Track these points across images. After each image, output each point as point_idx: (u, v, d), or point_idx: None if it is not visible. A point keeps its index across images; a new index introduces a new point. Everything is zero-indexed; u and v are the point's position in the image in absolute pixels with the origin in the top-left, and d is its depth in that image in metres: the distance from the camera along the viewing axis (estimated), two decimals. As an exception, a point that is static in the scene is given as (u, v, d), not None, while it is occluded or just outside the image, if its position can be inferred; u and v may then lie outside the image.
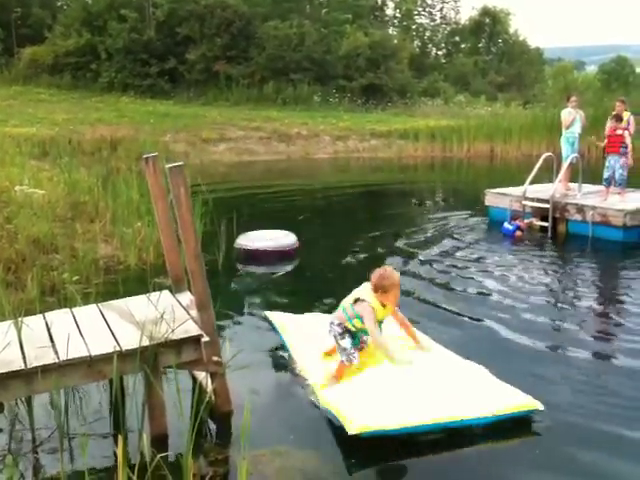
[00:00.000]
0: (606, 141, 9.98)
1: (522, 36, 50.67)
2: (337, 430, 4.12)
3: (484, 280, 7.41)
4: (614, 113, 10.21)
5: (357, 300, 4.59)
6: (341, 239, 10.07)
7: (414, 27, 47.10)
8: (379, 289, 4.52)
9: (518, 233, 9.58)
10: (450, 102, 35.73)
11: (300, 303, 6.71)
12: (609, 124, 9.92)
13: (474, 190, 11.68)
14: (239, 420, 4.00)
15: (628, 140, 9.88)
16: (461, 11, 49.56)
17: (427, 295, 6.84)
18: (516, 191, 10.36)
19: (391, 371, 4.40)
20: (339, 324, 4.65)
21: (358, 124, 28.07)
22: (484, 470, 3.84)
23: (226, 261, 8.03)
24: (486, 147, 24.65)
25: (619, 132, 9.81)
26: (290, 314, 5.99)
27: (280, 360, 5.18)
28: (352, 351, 4.56)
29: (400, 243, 9.49)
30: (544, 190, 10.05)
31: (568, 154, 10.45)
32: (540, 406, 4.13)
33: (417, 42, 46.37)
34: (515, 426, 4.13)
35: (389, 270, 4.64)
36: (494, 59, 47.16)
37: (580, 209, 9.38)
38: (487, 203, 11.04)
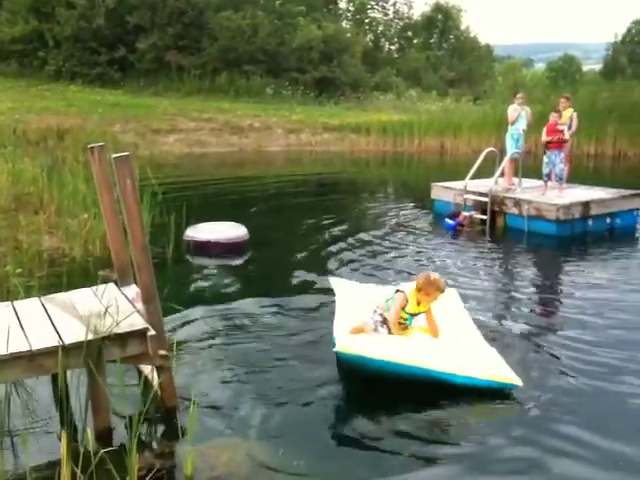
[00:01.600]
0: (546, 136, 10.13)
1: (473, 33, 51.46)
2: (285, 420, 4.14)
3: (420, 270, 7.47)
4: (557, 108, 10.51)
5: (397, 291, 5.03)
6: (292, 231, 10.09)
7: (367, 21, 47.25)
8: (422, 290, 4.92)
9: (459, 228, 9.75)
10: (402, 97, 35.99)
11: (249, 295, 6.67)
12: (551, 120, 10.12)
13: (424, 184, 11.83)
14: (186, 414, 3.99)
15: (567, 135, 10.11)
16: (414, 6, 49.96)
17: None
18: (460, 185, 10.54)
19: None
20: (380, 314, 5.05)
21: (311, 117, 28.05)
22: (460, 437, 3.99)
23: (175, 253, 7.94)
24: (437, 142, 24.95)
25: (560, 127, 10.02)
26: (354, 282, 6.28)
27: (228, 353, 5.16)
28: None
29: (348, 234, 9.55)
30: (486, 184, 10.23)
31: (512, 150, 10.64)
32: (519, 382, 4.32)
33: (370, 36, 46.53)
34: (497, 398, 4.35)
35: (437, 277, 4.98)
36: (445, 55, 47.72)
37: (517, 203, 9.60)
38: (433, 196, 11.25)
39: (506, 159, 10.46)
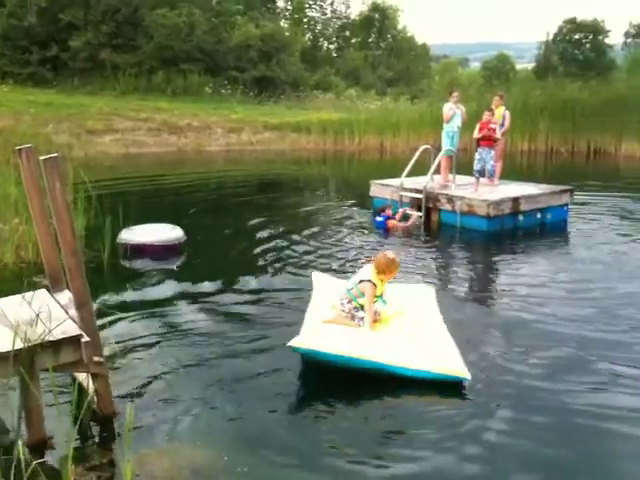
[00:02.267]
0: (478, 133, 10.34)
1: (410, 33, 52.25)
2: (228, 424, 4.10)
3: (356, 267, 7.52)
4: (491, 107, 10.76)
5: (361, 281, 5.21)
6: (232, 231, 9.99)
7: (305, 20, 47.36)
8: (385, 270, 5.22)
9: (390, 223, 9.82)
10: (342, 96, 36.21)
11: (186, 297, 6.57)
12: (484, 118, 10.33)
13: (364, 182, 11.92)
14: (123, 421, 3.90)
15: (498, 134, 10.34)
16: (351, 6, 50.49)
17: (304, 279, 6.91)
18: (396, 182, 10.66)
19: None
20: (349, 302, 5.27)
21: (251, 116, 27.91)
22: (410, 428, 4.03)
23: (111, 257, 7.74)
24: (376, 141, 25.22)
25: (492, 126, 10.25)
26: (334, 278, 6.40)
27: (167, 357, 5.07)
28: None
29: (288, 233, 9.52)
30: (421, 181, 10.37)
31: (448, 147, 10.83)
32: (468, 376, 4.44)
33: (309, 35, 46.67)
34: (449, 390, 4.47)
35: (394, 255, 5.35)
36: (383, 54, 48.27)
37: (450, 199, 9.78)
38: (372, 194, 11.36)
39: (440, 156, 10.62)
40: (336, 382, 4.67)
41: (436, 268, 7.84)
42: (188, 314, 6.09)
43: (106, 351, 4.28)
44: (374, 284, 5.19)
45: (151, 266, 7.81)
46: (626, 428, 3.98)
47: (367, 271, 5.33)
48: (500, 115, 11.03)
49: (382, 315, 5.33)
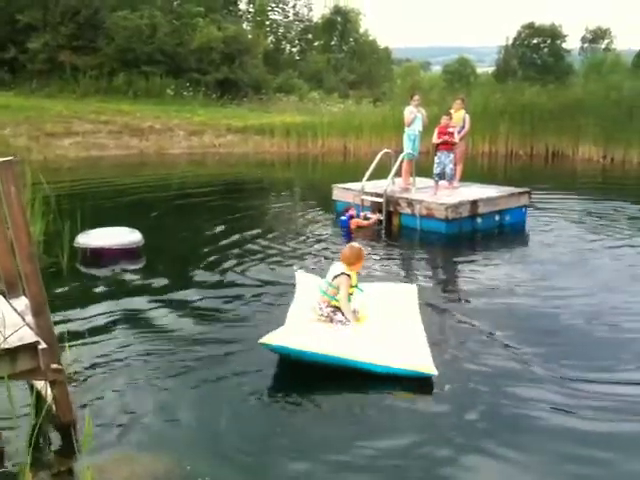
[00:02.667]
0: (437, 138, 10.44)
1: (372, 36, 52.60)
2: (191, 431, 4.06)
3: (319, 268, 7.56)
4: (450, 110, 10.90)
5: (335, 277, 5.33)
6: (193, 234, 9.91)
7: (268, 23, 47.31)
8: (356, 262, 5.40)
9: (353, 222, 9.89)
10: (305, 98, 36.25)
11: (146, 301, 6.49)
12: (443, 121, 10.43)
13: (327, 185, 11.95)
14: (82, 428, 3.84)
15: (456, 138, 10.47)
16: (313, 8, 50.65)
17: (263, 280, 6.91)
18: (358, 186, 10.72)
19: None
20: (327, 306, 5.34)
21: (214, 119, 27.76)
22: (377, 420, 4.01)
23: (70, 262, 7.62)
24: (339, 143, 25.31)
25: (451, 130, 10.37)
26: (317, 277, 6.34)
27: (127, 362, 5.01)
28: (346, 322, 5.28)
29: (251, 236, 9.48)
30: (382, 185, 10.43)
31: (409, 151, 10.92)
32: (434, 372, 4.54)
33: (271, 38, 46.61)
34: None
35: (357, 246, 5.55)
36: (346, 57, 48.48)
37: (410, 203, 9.87)
38: (334, 197, 11.41)
39: (399, 160, 10.70)
40: (305, 381, 4.72)
41: (395, 270, 7.88)
42: (148, 318, 6.03)
43: (64, 358, 4.21)
44: (348, 275, 5.33)
45: (109, 270, 7.69)
46: (585, 424, 4.06)
47: (337, 267, 5.46)
48: (460, 118, 11.16)
49: (361, 312, 5.46)
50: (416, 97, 11.13)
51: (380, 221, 10.05)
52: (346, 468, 3.68)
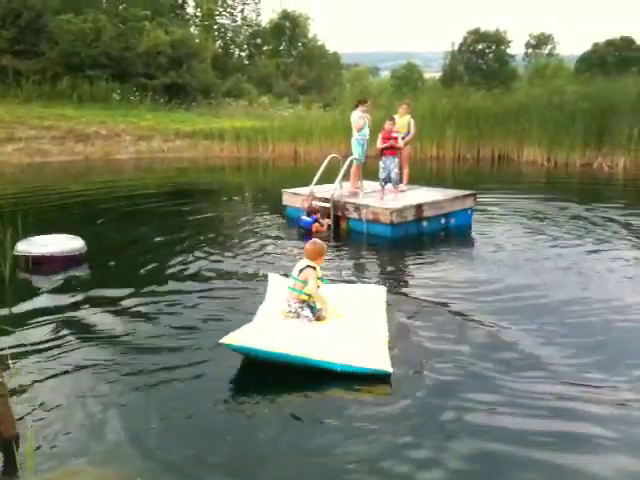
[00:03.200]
0: (381, 143, 10.47)
1: (321, 41, 52.85)
2: (138, 442, 3.95)
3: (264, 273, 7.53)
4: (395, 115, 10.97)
5: (301, 271, 5.50)
6: (141, 241, 9.71)
7: (216, 27, 47.07)
8: (317, 258, 5.62)
9: (315, 227, 9.90)
10: (254, 103, 36.17)
11: (90, 309, 6.31)
12: (386, 126, 10.47)
13: (278, 190, 11.90)
14: (26, 443, 3.71)
15: (400, 143, 10.55)
16: (262, 13, 50.49)
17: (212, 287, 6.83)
18: (306, 191, 10.72)
19: (298, 322, 5.36)
20: (295, 302, 5.48)
21: (161, 123, 27.46)
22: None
23: (12, 271, 7.38)
24: (290, 148, 25.33)
25: (395, 134, 10.42)
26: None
27: (72, 372, 4.86)
28: (312, 318, 5.44)
29: (200, 242, 9.36)
30: (330, 190, 10.45)
31: (358, 155, 10.97)
32: (390, 370, 4.65)
33: (219, 42, 46.40)
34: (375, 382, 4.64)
35: (319, 242, 5.76)
36: (295, 62, 48.59)
37: (357, 208, 9.92)
38: (284, 202, 11.39)
39: (347, 164, 10.73)
40: (264, 381, 4.73)
41: (343, 274, 7.85)
42: (93, 326, 5.87)
43: (6, 370, 4.06)
44: (313, 267, 5.52)
45: (51, 278, 7.46)
46: (536, 421, 4.12)
47: (302, 262, 5.62)
48: (405, 123, 11.26)
49: (326, 311, 5.57)
50: (368, 103, 11.20)
51: (329, 226, 10.07)
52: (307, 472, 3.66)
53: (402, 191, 10.74)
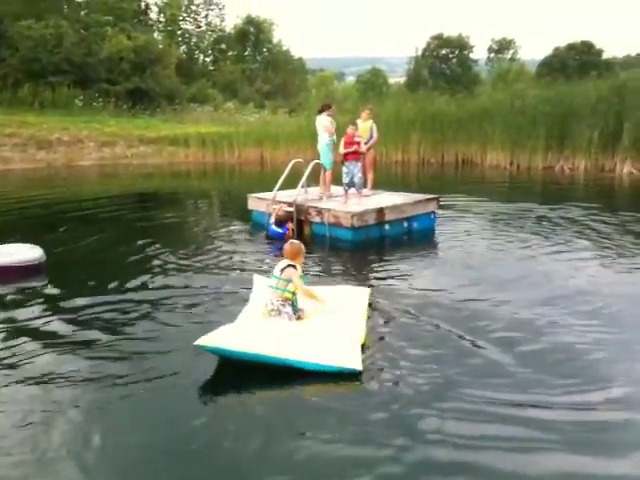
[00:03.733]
0: (344, 148, 10.47)
1: (286, 46, 52.87)
2: (102, 457, 3.87)
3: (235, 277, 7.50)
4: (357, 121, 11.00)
5: (282, 270, 5.70)
6: (104, 249, 9.54)
7: (180, 33, 46.79)
8: (296, 257, 5.86)
9: (288, 235, 9.87)
10: (220, 109, 36.02)
11: (49, 318, 6.18)
12: (349, 131, 10.49)
13: (245, 195, 11.84)
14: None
15: (363, 148, 10.61)
16: (226, 19, 50.28)
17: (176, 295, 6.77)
18: (270, 196, 10.71)
19: (274, 323, 5.53)
20: (278, 300, 5.67)
21: (125, 129, 27.19)
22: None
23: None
24: (256, 153, 25.31)
25: (357, 139, 10.45)
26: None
27: (29, 388, 4.73)
28: (292, 316, 5.66)
29: (164, 248, 9.22)
30: (295, 194, 10.44)
31: (329, 160, 11.01)
32: (359, 368, 4.76)
33: (183, 48, 46.11)
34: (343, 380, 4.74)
35: (298, 243, 6.01)
36: (260, 67, 48.52)
37: (319, 212, 9.94)
38: (250, 207, 11.35)
39: (310, 168, 10.75)
40: (237, 381, 4.79)
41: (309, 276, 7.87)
42: (53, 336, 5.72)
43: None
44: (294, 266, 5.73)
45: (9, 289, 7.27)
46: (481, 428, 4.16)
47: (282, 262, 5.81)
48: (368, 128, 11.31)
49: (316, 304, 5.85)
50: (332, 107, 11.26)
51: (293, 230, 10.05)
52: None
53: (367, 196, 10.79)
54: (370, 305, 6.28)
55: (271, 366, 4.79)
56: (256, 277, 6.96)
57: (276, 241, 9.56)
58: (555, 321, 5.97)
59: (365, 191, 10.91)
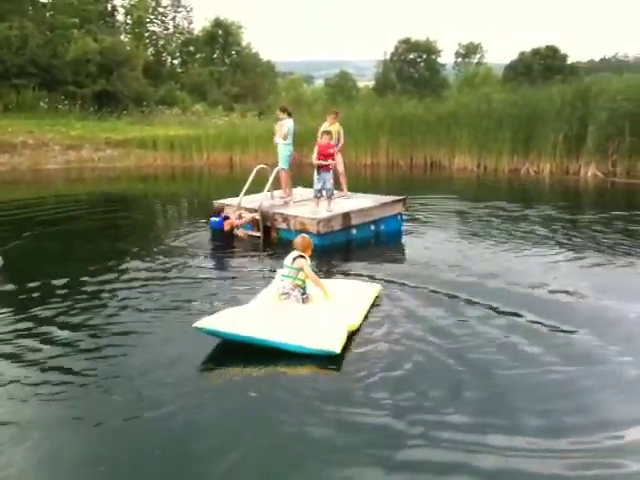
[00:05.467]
0: (317, 160, 10.32)
1: (255, 49, 52.71)
2: (81, 462, 3.82)
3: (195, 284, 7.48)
4: (325, 129, 10.82)
5: (294, 260, 6.33)
6: (67, 255, 9.38)
7: (147, 35, 46.37)
8: (306, 249, 6.53)
9: (227, 224, 9.78)
10: (188, 111, 35.76)
11: (5, 327, 6.07)
12: (323, 140, 9.98)
13: (213, 198, 11.75)
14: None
15: (339, 158, 10.59)
16: (194, 21, 50.05)
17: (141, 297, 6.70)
18: (236, 201, 10.64)
19: (270, 307, 6.12)
20: (289, 285, 6.28)
21: (92, 132, 26.86)
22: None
23: None
24: (225, 156, 25.20)
25: (331, 151, 10.20)
26: None
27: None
28: (300, 299, 6.29)
29: (127, 254, 9.09)
30: (260, 199, 10.42)
31: (286, 162, 11.03)
32: (337, 350, 5.13)
33: (151, 50, 45.70)
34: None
35: (308, 238, 6.78)
36: (229, 70, 48.29)
37: (285, 218, 9.91)
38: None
39: (274, 173, 10.73)
40: (224, 364, 5.25)
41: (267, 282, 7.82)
42: (10, 345, 5.62)
43: None
44: (304, 257, 6.38)
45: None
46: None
47: (292, 253, 6.44)
48: (335, 132, 11.31)
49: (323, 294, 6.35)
50: (278, 111, 11.33)
51: (249, 235, 10.03)
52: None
53: (349, 197, 10.95)
54: (377, 298, 6.64)
55: (259, 347, 5.20)
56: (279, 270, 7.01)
57: (240, 251, 9.51)
58: (520, 322, 6.08)
59: (348, 194, 11.14)
